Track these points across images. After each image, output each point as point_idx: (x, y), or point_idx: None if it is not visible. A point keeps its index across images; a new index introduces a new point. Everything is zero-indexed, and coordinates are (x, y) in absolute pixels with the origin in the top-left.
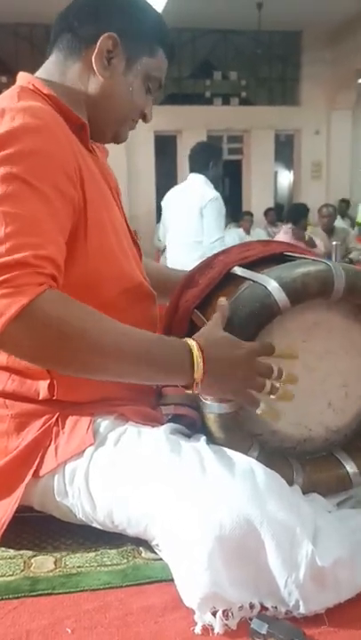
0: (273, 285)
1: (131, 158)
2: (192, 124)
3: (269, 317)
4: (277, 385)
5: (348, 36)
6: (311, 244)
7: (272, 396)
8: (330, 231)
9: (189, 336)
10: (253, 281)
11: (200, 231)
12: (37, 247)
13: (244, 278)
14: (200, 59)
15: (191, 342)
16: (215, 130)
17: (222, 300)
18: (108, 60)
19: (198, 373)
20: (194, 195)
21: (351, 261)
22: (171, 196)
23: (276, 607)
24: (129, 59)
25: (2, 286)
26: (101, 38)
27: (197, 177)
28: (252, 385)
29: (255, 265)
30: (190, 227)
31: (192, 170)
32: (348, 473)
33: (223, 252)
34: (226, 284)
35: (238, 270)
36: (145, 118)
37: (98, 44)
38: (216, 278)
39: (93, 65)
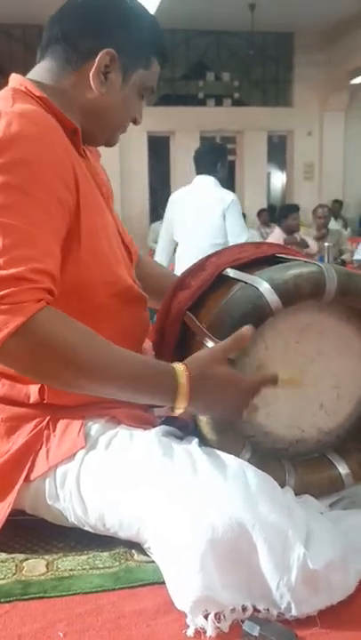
0: (265, 287)
1: (124, 159)
2: (185, 125)
3: (261, 319)
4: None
5: (340, 37)
6: (303, 244)
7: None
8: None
9: (182, 338)
10: (245, 282)
11: (219, 233)
12: (34, 260)
13: (237, 280)
14: (193, 60)
15: (180, 371)
16: (208, 131)
17: (247, 330)
18: (104, 74)
19: (181, 404)
20: (208, 197)
21: (343, 262)
22: (178, 199)
23: (268, 610)
24: (125, 73)
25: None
26: (100, 55)
27: (207, 179)
28: (234, 414)
29: (247, 267)
30: (205, 229)
31: (199, 172)
32: (340, 474)
33: (215, 253)
34: (218, 285)
35: (230, 272)
36: (135, 122)
37: (96, 60)
38: (208, 280)
39: (90, 81)
